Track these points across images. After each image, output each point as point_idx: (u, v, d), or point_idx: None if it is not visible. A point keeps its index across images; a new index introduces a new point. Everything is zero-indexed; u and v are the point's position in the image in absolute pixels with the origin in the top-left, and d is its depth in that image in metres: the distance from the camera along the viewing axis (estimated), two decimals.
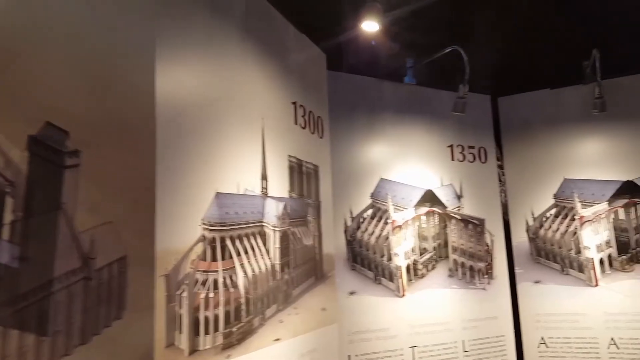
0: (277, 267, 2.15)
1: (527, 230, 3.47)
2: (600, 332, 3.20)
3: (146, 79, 1.33)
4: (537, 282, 3.39)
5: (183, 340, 1.63)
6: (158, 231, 1.35)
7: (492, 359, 3.21)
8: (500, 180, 3.60)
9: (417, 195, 3.17)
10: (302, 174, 2.41)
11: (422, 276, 3.12)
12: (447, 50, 2.86)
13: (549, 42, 3.55)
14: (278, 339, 2.10)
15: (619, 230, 3.31)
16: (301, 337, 2.26)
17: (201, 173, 1.73)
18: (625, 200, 3.29)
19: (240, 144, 1.97)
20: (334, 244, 2.66)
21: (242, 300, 1.91)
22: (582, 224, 3.32)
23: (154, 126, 1.31)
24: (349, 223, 2.91)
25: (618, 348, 3.15)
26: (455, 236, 3.30)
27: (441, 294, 3.15)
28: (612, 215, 3.31)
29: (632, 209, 3.31)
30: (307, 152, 2.47)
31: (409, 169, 3.17)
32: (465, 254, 3.30)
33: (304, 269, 2.37)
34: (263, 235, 2.08)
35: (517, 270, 3.45)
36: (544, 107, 3.52)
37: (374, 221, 3.01)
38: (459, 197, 3.34)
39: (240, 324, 1.89)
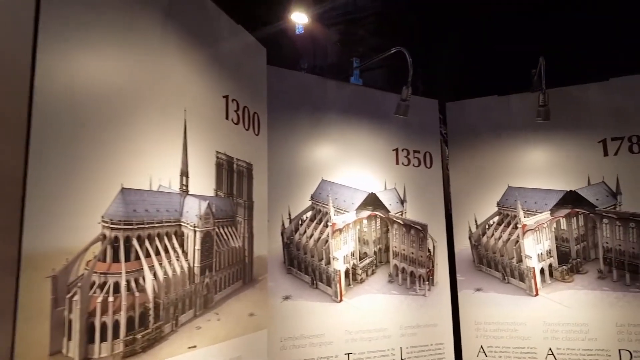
0: (197, 270, 2.02)
1: (470, 237, 3.44)
2: (539, 342, 3.19)
3: (20, 60, 1.18)
4: (478, 289, 3.36)
5: (72, 348, 1.48)
6: (28, 228, 1.20)
7: None
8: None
9: (360, 199, 3.08)
10: (232, 172, 2.28)
11: (361, 281, 3.03)
12: (392, 52, 2.79)
13: (499, 48, 3.54)
14: (194, 347, 1.96)
15: (560, 240, 3.31)
16: (223, 344, 2.13)
17: (103, 167, 1.59)
18: (568, 210, 3.30)
19: (156, 137, 1.83)
20: (267, 247, 2.54)
21: (150, 305, 1.77)
22: (524, 233, 3.31)
23: (25, 114, 1.16)
24: (287, 225, 2.79)
25: (555, 358, 3.14)
26: (397, 241, 3.23)
27: (380, 299, 3.07)
28: (554, 225, 3.31)
29: (574, 219, 3.31)
30: (240, 150, 2.35)
31: (352, 171, 3.08)
32: (406, 259, 3.23)
33: (230, 272, 2.24)
34: (181, 236, 1.94)
35: (459, 278, 3.41)
36: (491, 114, 3.50)
37: (314, 223, 2.91)
38: (402, 201, 3.27)
39: (146, 331, 1.75)
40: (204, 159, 2.09)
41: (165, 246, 1.86)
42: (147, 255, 1.77)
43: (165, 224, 1.86)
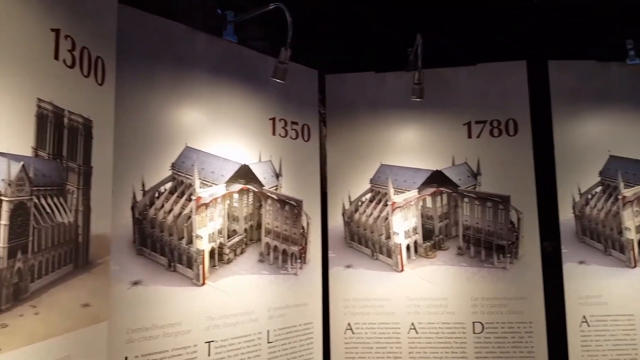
0: (3, 252, 1.49)
1: (343, 214, 3.32)
2: (402, 317, 3.21)
3: None
4: (348, 266, 3.27)
5: None
6: None
7: (298, 348, 2.98)
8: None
9: (231, 170, 2.73)
10: (62, 128, 1.76)
11: (229, 261, 2.70)
12: (270, 7, 2.45)
13: (381, 23, 3.43)
14: None
15: (426, 218, 3.35)
16: (43, 344, 1.65)
17: None
18: (433, 189, 3.34)
19: None
20: (111, 223, 2.06)
21: None
22: (393, 210, 3.28)
23: None
24: (140, 198, 2.32)
25: (417, 332, 3.18)
26: (270, 217, 2.96)
27: (249, 280, 2.78)
28: (421, 203, 3.34)
29: (439, 198, 3.37)
30: (75, 100, 1.83)
31: (222, 139, 2.70)
32: (279, 237, 2.98)
33: (55, 255, 1.74)
34: None
35: (330, 255, 3.27)
36: (368, 90, 3.39)
37: (174, 197, 2.48)
38: (277, 175, 3.00)
39: None
40: (17, 108, 1.55)
41: None
42: None
43: None
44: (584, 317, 3.13)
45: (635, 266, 3.17)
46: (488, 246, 3.23)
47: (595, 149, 3.25)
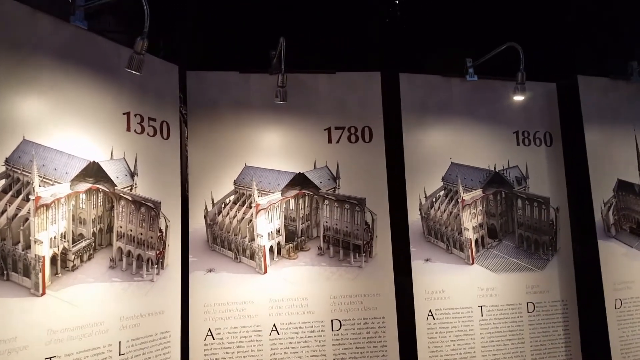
0: None
1: (206, 216, 3.42)
2: (264, 319, 3.41)
3: None
4: (210, 270, 3.37)
5: None
6: None
7: (153, 359, 2.99)
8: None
9: (77, 168, 2.65)
10: None
11: (74, 268, 2.62)
12: None
13: (244, 21, 3.62)
14: None
15: (289, 219, 3.62)
16: None
17: None
18: (296, 191, 3.63)
19: None
20: None
21: None
22: (257, 212, 3.49)
23: None
24: None
25: (278, 334, 3.41)
26: (123, 220, 2.93)
27: (97, 289, 2.71)
28: (284, 205, 3.60)
29: (301, 200, 3.66)
30: None
31: (68, 133, 2.61)
32: (133, 241, 2.97)
33: None
34: None
35: (191, 259, 3.35)
36: (231, 90, 3.55)
37: (8, 196, 2.34)
38: (132, 174, 2.99)
39: None
40: None
41: None
42: None
43: None
44: (430, 310, 3.68)
45: (472, 263, 3.84)
46: (346, 246, 3.62)
47: (439, 156, 3.87)
